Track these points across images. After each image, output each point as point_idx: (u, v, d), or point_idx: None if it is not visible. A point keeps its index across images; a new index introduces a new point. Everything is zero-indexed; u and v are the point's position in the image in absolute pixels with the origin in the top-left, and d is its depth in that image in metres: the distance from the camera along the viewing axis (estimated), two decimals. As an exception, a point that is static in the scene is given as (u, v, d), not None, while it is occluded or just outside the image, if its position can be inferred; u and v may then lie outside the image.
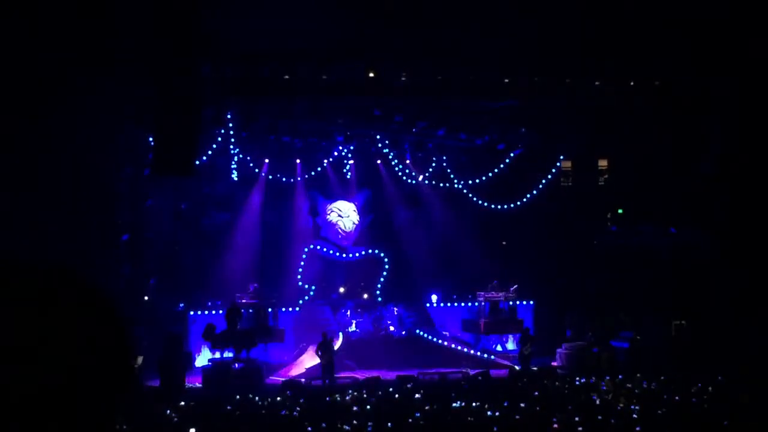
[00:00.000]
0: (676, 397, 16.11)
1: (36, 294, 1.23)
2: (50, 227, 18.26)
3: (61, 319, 1.22)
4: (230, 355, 21.10)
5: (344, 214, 26.69)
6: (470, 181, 27.02)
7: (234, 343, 21.13)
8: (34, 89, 17.03)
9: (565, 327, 24.75)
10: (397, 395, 17.34)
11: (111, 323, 1.29)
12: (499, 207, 27.06)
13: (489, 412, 14.54)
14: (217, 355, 21.33)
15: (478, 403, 15.45)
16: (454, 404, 15.62)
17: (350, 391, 17.60)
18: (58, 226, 18.39)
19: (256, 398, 17.27)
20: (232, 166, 23.79)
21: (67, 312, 1.23)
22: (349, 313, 24.75)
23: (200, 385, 19.96)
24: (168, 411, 15.26)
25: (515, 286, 24.88)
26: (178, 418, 14.70)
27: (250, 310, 22.33)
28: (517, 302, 25.33)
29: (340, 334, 23.27)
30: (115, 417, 1.29)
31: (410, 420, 13.94)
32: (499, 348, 25.66)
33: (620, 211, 27.54)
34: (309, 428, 13.28)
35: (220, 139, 23.08)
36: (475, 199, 27.06)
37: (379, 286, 26.01)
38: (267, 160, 25.33)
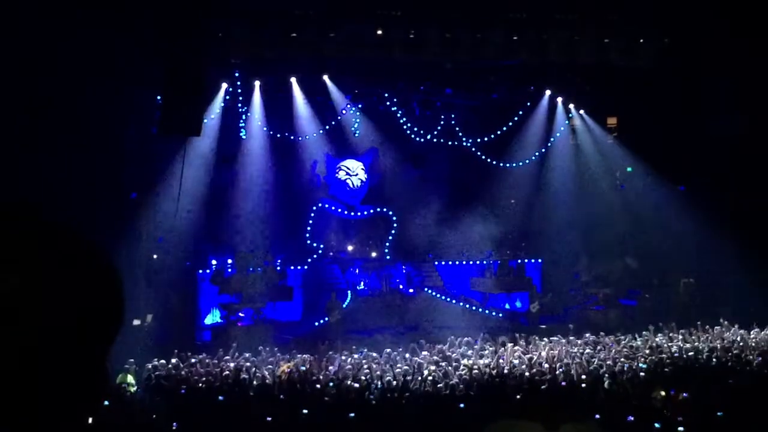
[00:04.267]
0: (684, 355, 16.18)
1: (33, 248, 1.26)
2: (58, 186, 18.27)
3: (55, 271, 1.25)
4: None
5: (352, 173, 26.58)
6: (479, 139, 26.86)
7: (242, 287, 21.26)
8: (41, 48, 16.92)
9: (574, 271, 24.89)
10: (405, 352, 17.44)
11: (104, 276, 1.33)
12: (507, 165, 26.96)
13: (496, 370, 14.63)
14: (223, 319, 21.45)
15: (486, 361, 15.56)
16: (462, 362, 15.71)
17: (360, 350, 17.70)
18: (65, 184, 18.39)
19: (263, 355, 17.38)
20: (240, 124, 23.66)
21: (61, 264, 1.27)
22: (357, 271, 24.80)
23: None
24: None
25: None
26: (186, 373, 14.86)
27: (259, 269, 22.32)
28: (526, 260, 25.33)
29: (349, 292, 23.33)
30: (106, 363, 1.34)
31: (419, 378, 14.04)
32: (507, 306, 25.72)
33: (629, 169, 27.39)
34: (317, 386, 13.38)
35: (227, 97, 22.92)
36: (483, 157, 26.93)
37: (387, 244, 26.02)
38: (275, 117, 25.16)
